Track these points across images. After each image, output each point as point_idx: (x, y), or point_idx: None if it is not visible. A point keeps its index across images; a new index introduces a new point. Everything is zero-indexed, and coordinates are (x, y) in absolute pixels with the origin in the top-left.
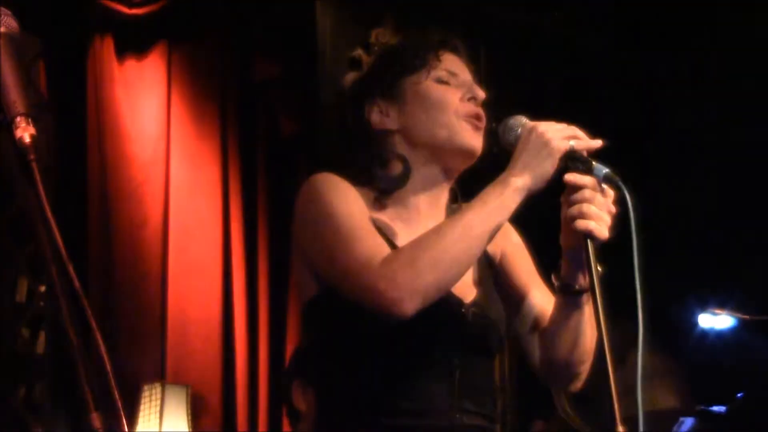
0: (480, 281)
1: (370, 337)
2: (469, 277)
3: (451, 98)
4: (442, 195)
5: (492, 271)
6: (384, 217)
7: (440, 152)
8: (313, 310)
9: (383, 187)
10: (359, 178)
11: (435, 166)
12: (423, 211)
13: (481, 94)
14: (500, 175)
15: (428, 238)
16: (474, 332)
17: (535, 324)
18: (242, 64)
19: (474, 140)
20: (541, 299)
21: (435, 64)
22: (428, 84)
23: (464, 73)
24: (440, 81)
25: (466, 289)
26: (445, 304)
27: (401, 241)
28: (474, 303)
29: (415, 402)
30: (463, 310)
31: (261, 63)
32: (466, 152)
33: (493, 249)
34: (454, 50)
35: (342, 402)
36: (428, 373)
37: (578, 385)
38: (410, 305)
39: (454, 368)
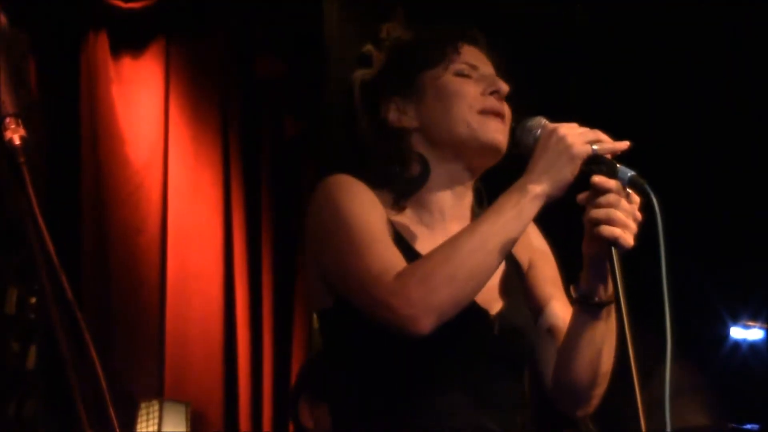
0: (508, 290)
1: (387, 350)
2: (495, 285)
3: (472, 92)
4: (467, 195)
5: (520, 280)
6: (404, 220)
7: (462, 150)
8: (327, 321)
9: (401, 189)
10: (376, 179)
11: (457, 164)
12: (447, 214)
13: (505, 87)
14: (517, 181)
15: (443, 252)
16: (500, 345)
17: (551, 339)
18: (244, 61)
19: (497, 135)
20: (562, 312)
21: (454, 57)
22: (447, 78)
23: (485, 66)
24: (460, 74)
25: (493, 299)
26: (468, 315)
27: (422, 246)
28: (500, 314)
29: (435, 418)
30: (488, 321)
31: (264, 60)
32: (489, 149)
33: (522, 256)
34: (474, 42)
35: (358, 417)
36: (448, 387)
37: (588, 410)
38: (425, 322)
39: (476, 383)
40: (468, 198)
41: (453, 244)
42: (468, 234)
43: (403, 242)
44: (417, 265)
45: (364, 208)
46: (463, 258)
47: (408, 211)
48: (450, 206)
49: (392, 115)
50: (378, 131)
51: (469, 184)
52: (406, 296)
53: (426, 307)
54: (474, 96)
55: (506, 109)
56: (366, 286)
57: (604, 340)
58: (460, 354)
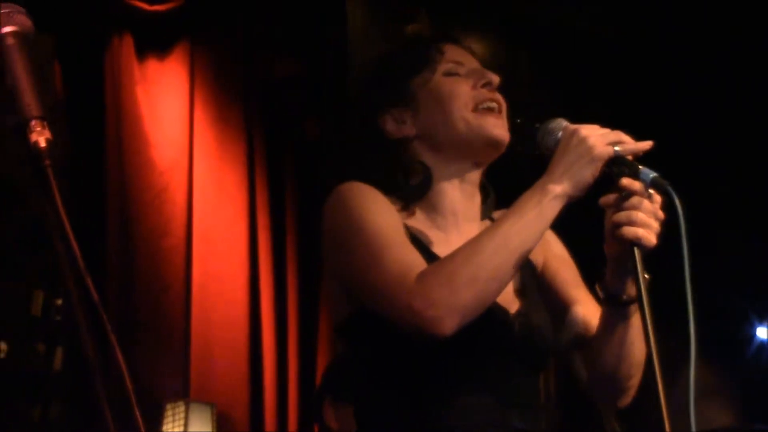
0: (524, 290)
1: (410, 353)
2: (512, 286)
3: (464, 89)
4: (476, 194)
5: (535, 280)
6: (417, 223)
7: (465, 148)
8: (349, 328)
9: (406, 197)
10: (383, 186)
11: (462, 163)
12: (459, 215)
13: (495, 78)
14: (538, 181)
15: (464, 252)
16: (521, 344)
17: (581, 338)
18: (268, 63)
19: (495, 128)
20: (586, 311)
21: (438, 58)
22: (437, 80)
23: (470, 61)
24: (449, 73)
25: (510, 299)
26: (489, 315)
27: (438, 248)
28: (519, 313)
29: (458, 418)
30: (508, 320)
31: (287, 61)
32: (491, 144)
33: (535, 257)
34: (455, 42)
35: (382, 420)
36: (473, 387)
37: (627, 401)
38: (449, 324)
39: (500, 382)
40: (477, 196)
41: (474, 244)
42: (490, 234)
43: (420, 245)
44: (438, 266)
45: (379, 211)
46: (486, 258)
47: (420, 215)
48: (461, 207)
49: (390, 126)
50: (379, 143)
51: (476, 181)
52: (429, 298)
53: (449, 308)
54: (466, 93)
55: (500, 98)
56: (387, 290)
57: (634, 333)
58: (482, 353)
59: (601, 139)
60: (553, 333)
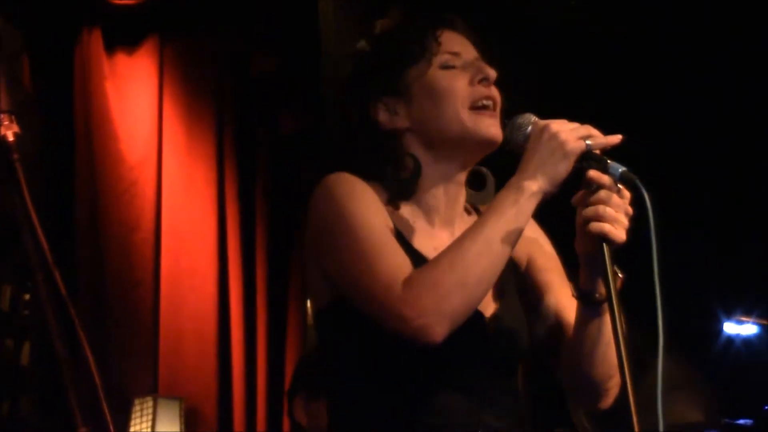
0: (501, 290)
1: (385, 350)
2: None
3: (460, 85)
4: (460, 192)
5: (516, 278)
6: (402, 215)
7: (456, 147)
8: (326, 318)
9: (395, 189)
10: (371, 176)
11: (450, 162)
12: (441, 212)
13: (492, 72)
14: (511, 179)
15: (449, 258)
16: (495, 346)
17: (562, 337)
18: (239, 58)
19: (491, 129)
20: (565, 301)
21: (435, 48)
22: (433, 73)
23: (467, 50)
24: (445, 66)
25: (487, 301)
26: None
27: (421, 243)
28: (495, 315)
29: (433, 417)
30: (483, 323)
31: (259, 56)
32: (485, 143)
33: (518, 254)
34: (452, 26)
35: (356, 417)
36: (447, 388)
37: (608, 402)
38: (439, 331)
39: (474, 383)
40: (461, 194)
41: (458, 249)
42: (472, 238)
43: (403, 239)
44: (425, 272)
45: (368, 210)
46: (471, 263)
47: (405, 208)
48: (444, 204)
49: (383, 116)
50: (370, 133)
51: (462, 181)
52: (418, 306)
53: (439, 315)
54: (463, 89)
55: (496, 94)
56: (376, 297)
57: (610, 332)
58: (456, 355)
59: (572, 134)
60: (528, 335)
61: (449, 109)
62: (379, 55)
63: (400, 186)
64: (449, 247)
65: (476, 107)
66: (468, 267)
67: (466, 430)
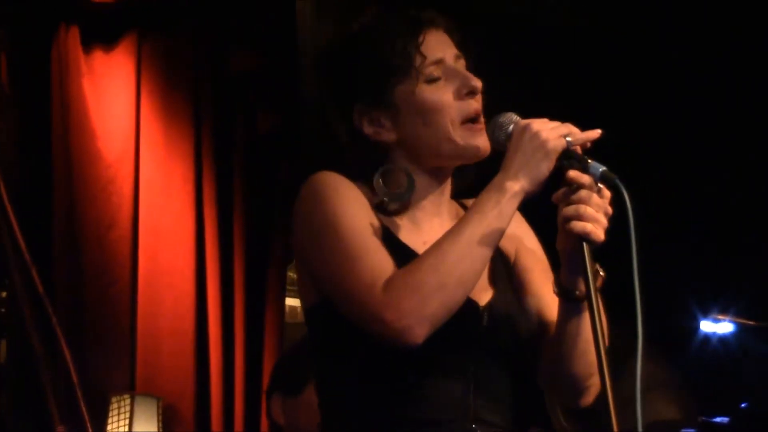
0: (495, 280)
1: (375, 346)
2: (483, 277)
3: (448, 100)
4: (446, 189)
5: (507, 270)
6: (389, 216)
7: (446, 161)
8: (315, 318)
9: (386, 201)
10: (358, 176)
11: (440, 170)
12: (429, 205)
13: (478, 84)
14: (494, 179)
15: (430, 260)
16: (490, 336)
17: (543, 336)
18: (217, 56)
19: (479, 141)
20: (552, 308)
21: (419, 60)
22: (420, 89)
23: (448, 51)
24: (430, 80)
25: (481, 290)
26: (458, 309)
27: (408, 238)
28: (490, 305)
29: (427, 412)
30: (477, 313)
31: (237, 54)
32: (476, 158)
33: (507, 248)
34: (431, 24)
35: (348, 415)
36: (441, 381)
37: (588, 400)
38: (419, 333)
39: (469, 375)
40: (447, 189)
41: (439, 250)
42: (452, 239)
43: (390, 235)
44: (406, 274)
45: (351, 210)
46: (451, 265)
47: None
48: (431, 200)
49: (368, 128)
50: (356, 143)
51: (447, 180)
52: (399, 309)
53: (419, 317)
54: (451, 105)
55: (480, 104)
56: (357, 299)
57: (591, 331)
58: (450, 346)
59: (553, 132)
60: (525, 324)
61: (439, 127)
62: (361, 65)
63: (390, 198)
64: (431, 247)
65: (466, 122)
66: (449, 269)
67: (459, 426)
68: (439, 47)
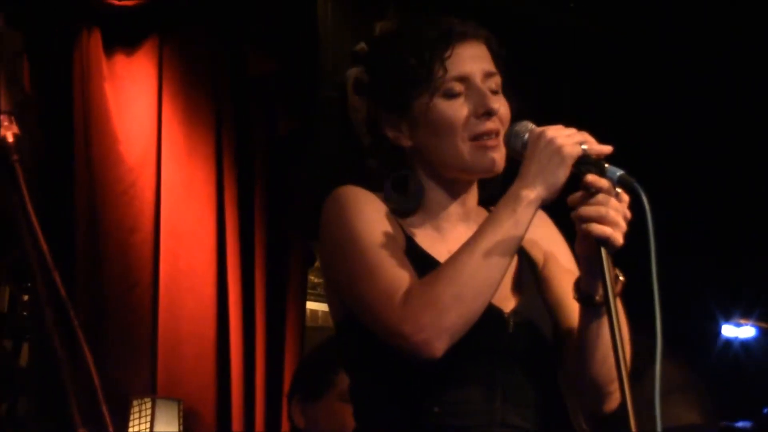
0: (522, 286)
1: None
2: (509, 283)
3: (462, 117)
4: (469, 197)
5: (535, 276)
6: (414, 222)
7: (458, 174)
8: (345, 331)
9: (402, 204)
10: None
11: (456, 181)
12: (452, 218)
13: (494, 105)
14: (511, 188)
15: (447, 272)
16: (517, 343)
17: (566, 340)
18: (237, 59)
19: (488, 159)
20: (576, 314)
21: (441, 73)
22: (436, 103)
23: (478, 70)
24: (449, 95)
25: (507, 297)
26: (483, 315)
27: (432, 247)
28: (515, 311)
29: (454, 419)
30: (502, 319)
31: (257, 57)
32: (485, 172)
33: (536, 254)
34: (465, 37)
35: (378, 423)
36: (468, 388)
37: (612, 405)
38: (438, 345)
39: (496, 382)
40: (471, 197)
41: (455, 262)
42: (469, 250)
43: (414, 245)
44: (423, 287)
45: (372, 224)
46: (468, 277)
47: (416, 215)
48: (455, 208)
49: (389, 132)
50: (378, 144)
51: (469, 188)
52: (418, 322)
53: (437, 330)
54: (464, 122)
55: (504, 110)
56: (377, 313)
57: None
58: (476, 354)
59: (568, 140)
60: (550, 331)
61: (449, 141)
62: (387, 70)
63: (405, 203)
64: (448, 259)
65: (476, 138)
66: (465, 282)
67: (483, 428)
68: (467, 63)
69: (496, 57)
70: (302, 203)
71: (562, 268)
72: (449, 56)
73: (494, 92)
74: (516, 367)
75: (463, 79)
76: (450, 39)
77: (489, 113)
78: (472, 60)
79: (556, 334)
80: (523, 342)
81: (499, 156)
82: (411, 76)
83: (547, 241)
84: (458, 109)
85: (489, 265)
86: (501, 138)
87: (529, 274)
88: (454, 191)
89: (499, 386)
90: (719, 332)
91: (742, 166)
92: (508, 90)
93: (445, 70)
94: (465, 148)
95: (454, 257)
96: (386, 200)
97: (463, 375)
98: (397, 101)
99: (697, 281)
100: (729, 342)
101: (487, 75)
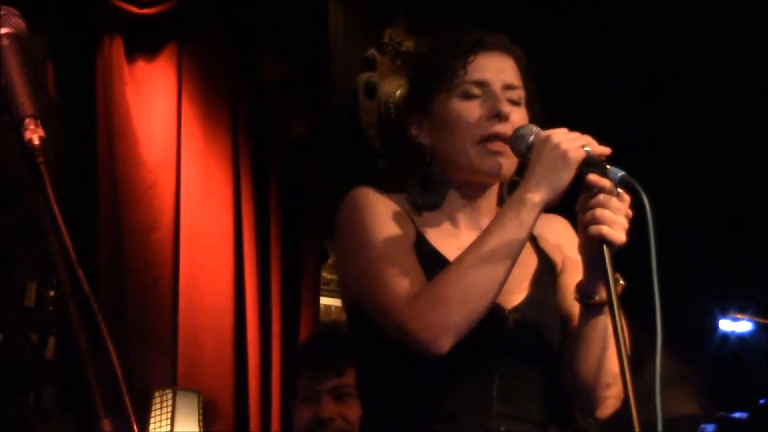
0: (534, 284)
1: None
2: (515, 280)
3: (474, 117)
4: (484, 197)
5: (553, 277)
6: (427, 221)
7: (467, 174)
8: (352, 314)
9: (419, 204)
10: (397, 189)
11: (469, 182)
12: (467, 211)
13: (505, 109)
14: (516, 191)
15: (453, 273)
16: (515, 339)
17: (566, 341)
18: (253, 65)
19: (493, 165)
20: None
21: (461, 74)
22: (452, 102)
23: (498, 79)
24: (466, 96)
25: (511, 292)
26: None
27: (443, 244)
28: (516, 308)
29: (450, 409)
30: (502, 316)
31: (272, 63)
32: (490, 175)
33: (555, 256)
34: (493, 48)
35: (380, 413)
36: (465, 382)
37: (605, 412)
38: (443, 343)
39: (493, 376)
40: (489, 197)
41: (461, 264)
42: (474, 252)
43: (425, 243)
44: (430, 287)
45: (383, 226)
46: (474, 277)
47: (429, 215)
48: (471, 207)
49: (413, 130)
50: (403, 145)
51: (485, 189)
52: (424, 320)
53: (443, 329)
54: (475, 122)
55: (519, 120)
56: (385, 311)
57: (610, 337)
58: (474, 348)
59: (572, 143)
60: (557, 328)
61: (458, 140)
62: (416, 73)
63: (425, 202)
64: (454, 260)
65: (484, 140)
66: (469, 282)
67: (480, 422)
68: (489, 71)
69: (524, 75)
70: (315, 202)
71: (577, 273)
72: (472, 61)
73: (513, 103)
74: (514, 362)
75: (482, 84)
76: (478, 47)
77: (499, 116)
78: (495, 70)
79: (563, 338)
80: (523, 337)
81: (505, 161)
82: (435, 74)
83: (569, 248)
84: (472, 110)
85: (493, 266)
86: (502, 151)
87: (547, 274)
88: (467, 193)
89: (495, 380)
90: (717, 327)
91: (741, 163)
92: (533, 108)
93: (466, 72)
94: (472, 148)
95: (460, 258)
96: (410, 195)
97: (460, 368)
98: (421, 98)
99: (695, 277)
100: (726, 336)
101: (508, 86)
